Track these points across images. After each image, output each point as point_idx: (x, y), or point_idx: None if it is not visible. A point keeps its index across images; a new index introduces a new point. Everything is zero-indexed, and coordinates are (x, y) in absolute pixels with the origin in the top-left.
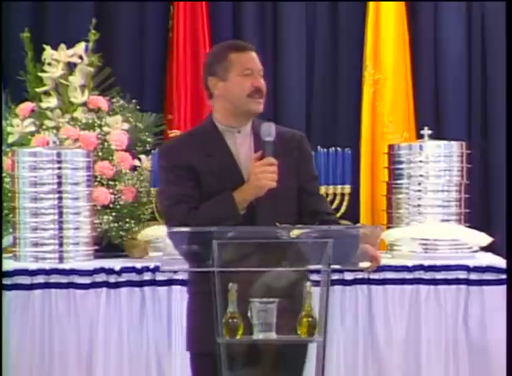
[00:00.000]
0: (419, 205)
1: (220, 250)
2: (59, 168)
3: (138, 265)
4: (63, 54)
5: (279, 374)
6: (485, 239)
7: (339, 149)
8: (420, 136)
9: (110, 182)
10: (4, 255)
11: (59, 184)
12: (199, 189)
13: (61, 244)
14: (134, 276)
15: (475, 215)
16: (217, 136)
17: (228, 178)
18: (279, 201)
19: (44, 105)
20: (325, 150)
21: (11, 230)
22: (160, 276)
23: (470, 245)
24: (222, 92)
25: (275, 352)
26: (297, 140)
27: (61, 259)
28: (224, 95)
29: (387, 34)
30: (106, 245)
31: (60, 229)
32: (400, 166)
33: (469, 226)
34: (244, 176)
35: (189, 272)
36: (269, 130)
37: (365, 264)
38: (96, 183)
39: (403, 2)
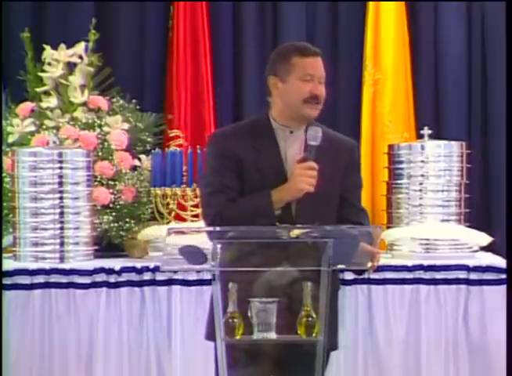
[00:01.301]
0: (419, 205)
1: (221, 250)
2: (59, 168)
3: (138, 265)
4: (63, 54)
5: (287, 374)
6: (485, 239)
7: None
8: (420, 136)
9: (110, 182)
10: (4, 255)
11: (60, 184)
12: (241, 181)
13: (61, 244)
14: (134, 276)
15: (475, 215)
16: (269, 133)
17: (272, 176)
18: (319, 206)
19: (44, 105)
20: None
21: (11, 230)
22: (160, 276)
23: (470, 245)
24: (280, 93)
25: (280, 352)
26: (349, 148)
27: (61, 259)
28: (281, 97)
29: (387, 34)
30: (106, 245)
31: (60, 228)
32: (400, 166)
33: (469, 226)
34: (288, 176)
35: None
36: (315, 134)
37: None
38: (96, 183)
39: (403, 2)
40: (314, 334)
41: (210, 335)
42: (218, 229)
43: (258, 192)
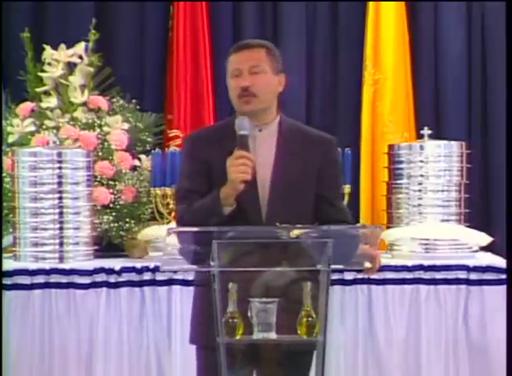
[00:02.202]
0: (419, 205)
1: (220, 250)
2: (59, 168)
3: (138, 265)
4: (63, 54)
5: (283, 373)
6: (485, 239)
7: (339, 149)
8: (420, 136)
9: (110, 182)
10: (4, 255)
11: (59, 184)
12: (211, 185)
13: (61, 244)
14: (134, 276)
15: (475, 215)
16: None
17: None
18: (290, 201)
19: (44, 105)
20: None
21: (11, 230)
22: (160, 276)
23: (470, 245)
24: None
25: (277, 352)
26: (323, 144)
27: (61, 259)
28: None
29: (387, 34)
30: (106, 245)
31: (60, 228)
32: (400, 166)
33: (469, 226)
34: (258, 175)
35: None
36: (243, 123)
37: (365, 264)
38: (96, 183)
39: (403, 2)
40: (314, 334)
41: (194, 339)
42: (216, 229)
43: (212, 192)
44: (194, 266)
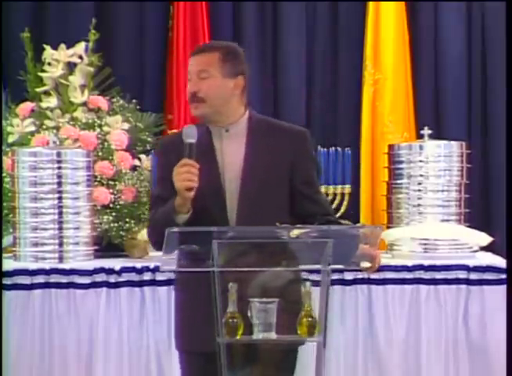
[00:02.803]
0: (419, 205)
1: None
2: (59, 168)
3: (138, 265)
4: (63, 54)
5: (268, 373)
6: (485, 239)
7: (339, 149)
8: (420, 136)
9: (110, 182)
10: (4, 255)
11: (59, 184)
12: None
13: (61, 244)
14: (134, 276)
15: (475, 215)
16: (206, 136)
17: (207, 180)
18: (262, 198)
19: (44, 105)
20: (325, 149)
21: (11, 230)
22: (160, 276)
23: (470, 245)
24: None
25: (266, 352)
26: (298, 138)
27: (61, 259)
28: None
29: (387, 34)
30: (106, 245)
31: (60, 229)
32: (400, 166)
33: (469, 226)
34: (223, 178)
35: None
36: (188, 132)
37: (365, 264)
38: (96, 183)
39: (403, 2)
40: (314, 334)
41: (178, 345)
42: (215, 229)
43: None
44: (194, 266)
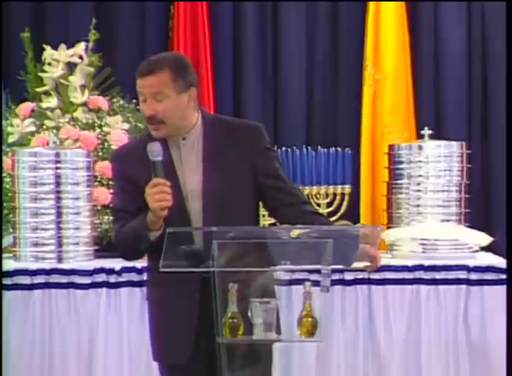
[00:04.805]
0: (419, 205)
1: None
2: (59, 168)
3: (138, 265)
4: (63, 54)
5: (248, 372)
6: (485, 239)
7: (339, 149)
8: (420, 136)
9: (110, 182)
10: (4, 255)
11: (59, 184)
12: (139, 201)
13: (61, 244)
14: (134, 276)
15: (475, 215)
16: (162, 144)
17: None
18: (227, 201)
19: (44, 105)
20: (325, 149)
21: (11, 230)
22: None
23: (470, 245)
24: None
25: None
26: (251, 134)
27: (61, 259)
28: None
29: (387, 34)
30: (106, 245)
31: (60, 229)
32: (400, 166)
33: (469, 226)
34: (183, 187)
35: (146, 277)
36: (157, 150)
37: (365, 264)
38: (96, 183)
39: (403, 2)
40: (314, 334)
41: (155, 356)
42: (215, 229)
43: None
44: (194, 267)
